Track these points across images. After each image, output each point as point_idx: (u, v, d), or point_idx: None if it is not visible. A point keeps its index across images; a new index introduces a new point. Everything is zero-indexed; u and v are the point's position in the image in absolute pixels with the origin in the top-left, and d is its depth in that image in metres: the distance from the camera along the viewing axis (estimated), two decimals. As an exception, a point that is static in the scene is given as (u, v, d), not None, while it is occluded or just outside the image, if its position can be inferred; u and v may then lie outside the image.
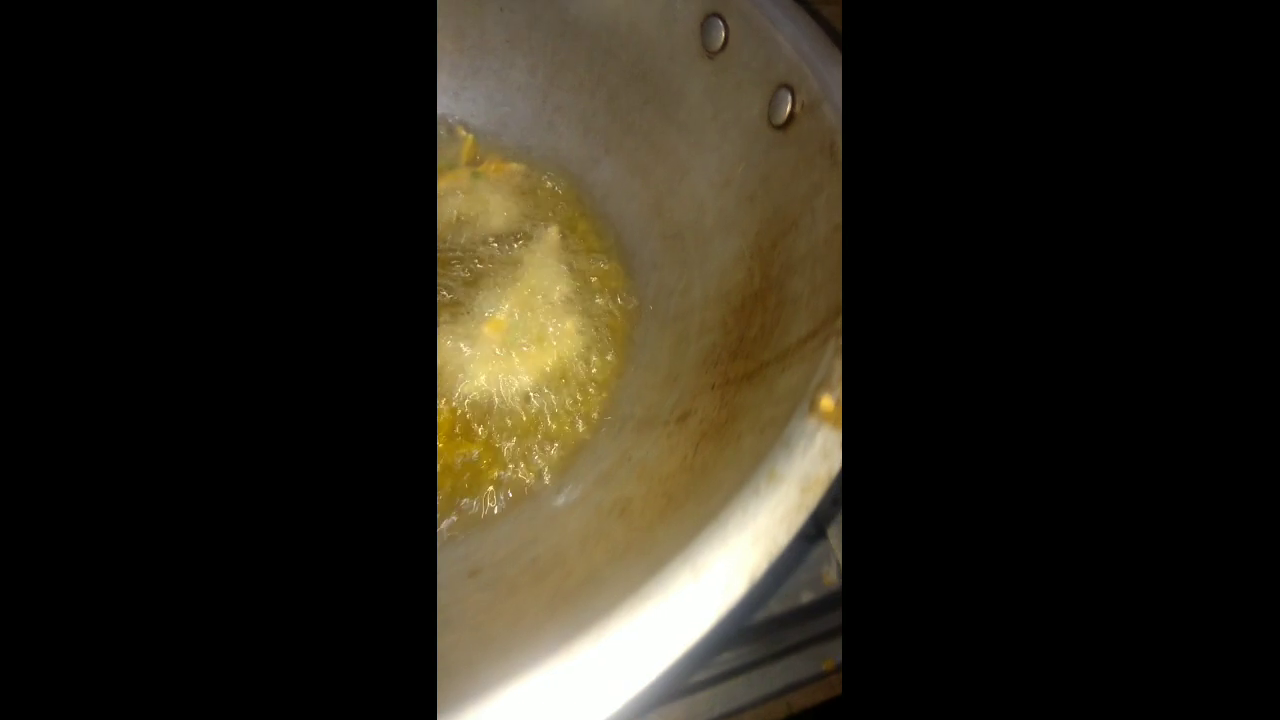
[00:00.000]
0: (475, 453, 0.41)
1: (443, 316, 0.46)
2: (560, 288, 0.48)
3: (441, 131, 0.53)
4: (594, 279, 0.48)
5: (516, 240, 0.50)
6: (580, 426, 0.42)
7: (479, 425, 0.42)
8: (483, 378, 0.44)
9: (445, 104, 0.54)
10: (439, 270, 0.48)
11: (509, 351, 0.45)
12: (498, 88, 0.54)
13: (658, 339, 0.45)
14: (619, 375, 0.44)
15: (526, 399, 0.43)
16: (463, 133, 0.53)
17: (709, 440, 0.33)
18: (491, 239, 0.49)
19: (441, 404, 0.43)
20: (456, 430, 0.42)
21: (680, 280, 0.46)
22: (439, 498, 0.40)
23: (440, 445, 0.41)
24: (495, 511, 0.40)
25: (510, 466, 0.41)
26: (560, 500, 0.38)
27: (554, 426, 0.42)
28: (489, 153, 0.53)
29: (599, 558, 0.29)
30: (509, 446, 0.41)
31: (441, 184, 0.51)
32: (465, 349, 0.44)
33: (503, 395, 0.43)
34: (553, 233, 0.50)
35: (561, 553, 0.32)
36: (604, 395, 0.43)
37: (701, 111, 0.45)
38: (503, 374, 0.44)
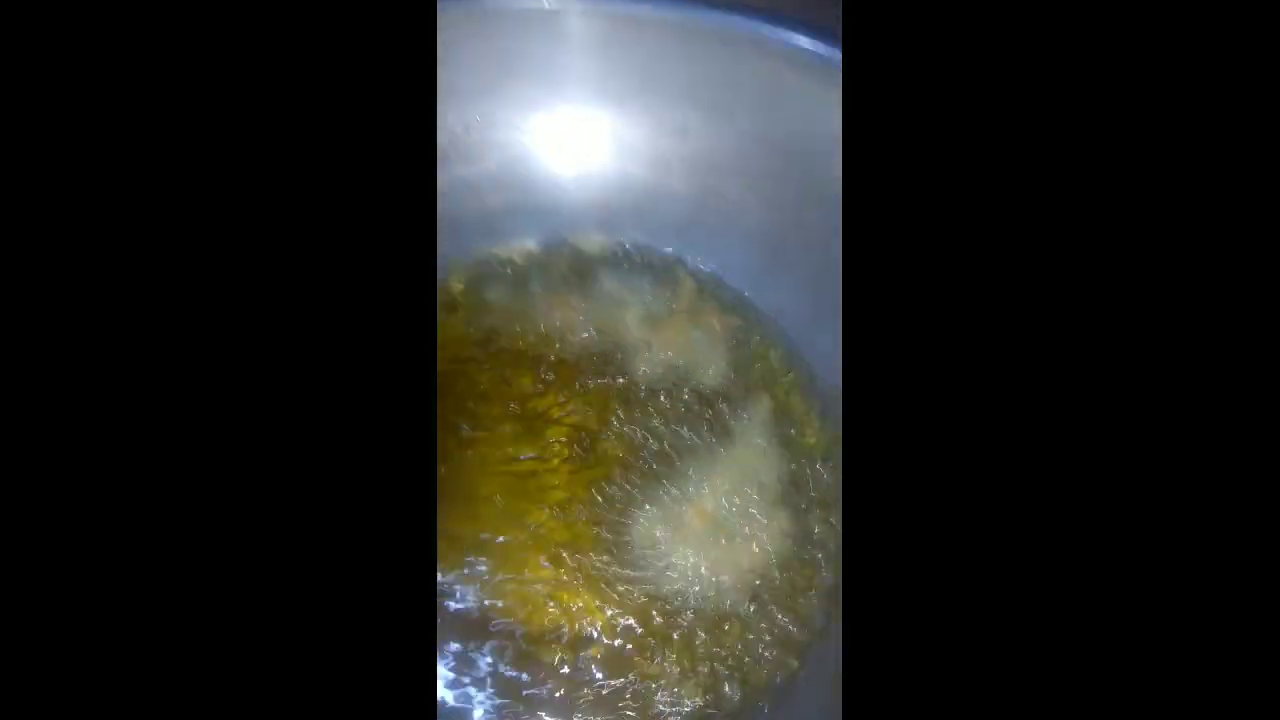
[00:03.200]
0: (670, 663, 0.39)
1: (645, 480, 0.44)
2: (768, 474, 0.44)
3: (665, 269, 0.52)
4: (809, 469, 0.45)
5: (723, 402, 0.47)
6: (793, 663, 0.38)
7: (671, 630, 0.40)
8: (680, 571, 0.41)
9: (667, 239, 0.52)
10: (651, 419, 0.46)
11: (715, 542, 0.42)
12: (723, 228, 0.51)
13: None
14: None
15: (725, 607, 0.40)
16: (682, 275, 0.51)
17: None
18: (699, 395, 0.47)
19: (632, 588, 0.40)
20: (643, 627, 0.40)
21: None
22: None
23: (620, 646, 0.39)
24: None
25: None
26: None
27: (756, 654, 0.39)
28: (707, 302, 0.50)
29: None
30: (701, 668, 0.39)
31: (660, 332, 0.49)
32: (668, 532, 0.42)
33: (701, 598, 0.40)
34: (765, 403, 0.47)
35: None
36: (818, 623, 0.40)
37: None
38: (706, 570, 0.41)
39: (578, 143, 0.51)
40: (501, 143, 0.50)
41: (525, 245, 0.52)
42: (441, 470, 0.44)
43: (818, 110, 0.45)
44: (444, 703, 0.38)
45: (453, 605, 0.40)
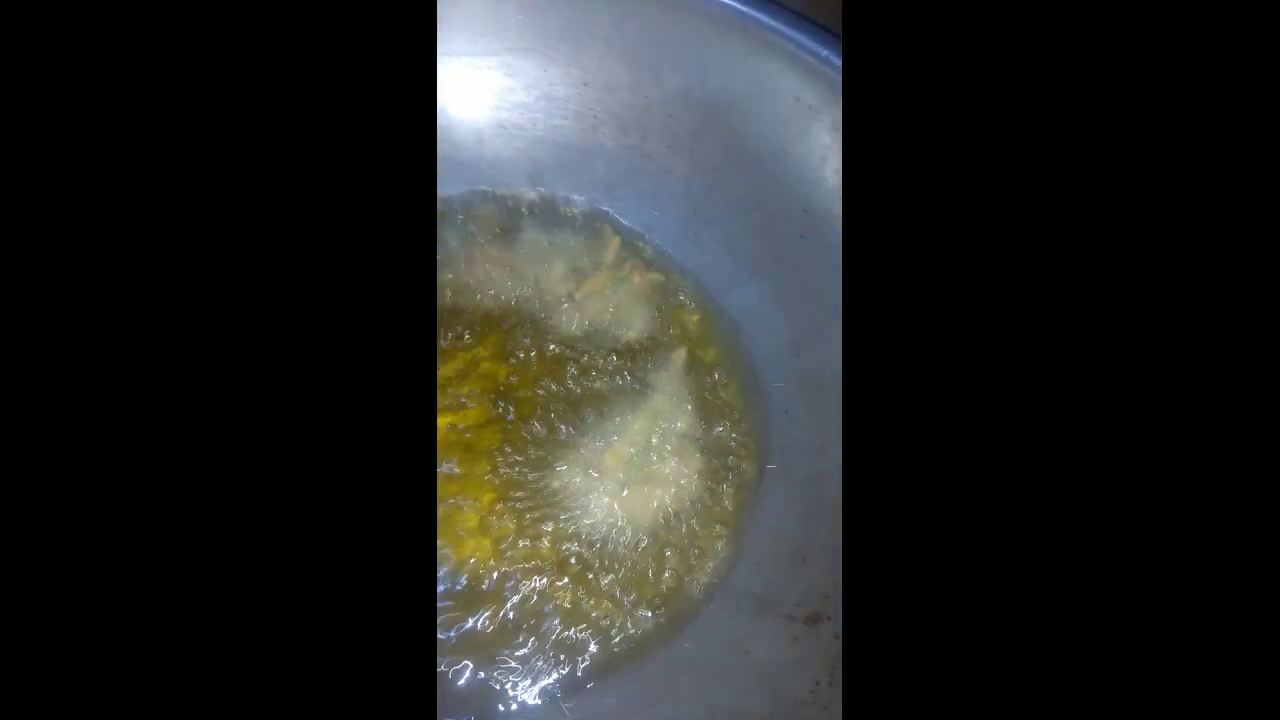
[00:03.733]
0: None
1: (567, 434, 0.46)
2: (683, 421, 0.47)
3: (592, 226, 0.53)
4: (720, 418, 0.48)
5: (644, 356, 0.49)
6: (696, 591, 0.42)
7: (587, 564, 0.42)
8: (598, 512, 0.44)
9: (597, 198, 0.53)
10: (567, 375, 0.47)
11: (625, 486, 0.44)
12: (650, 190, 0.53)
13: (783, 503, 0.44)
14: (738, 536, 0.44)
15: (638, 544, 0.43)
16: (610, 233, 0.52)
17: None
18: (621, 350, 0.49)
19: (548, 528, 0.43)
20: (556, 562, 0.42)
21: (815, 437, 0.46)
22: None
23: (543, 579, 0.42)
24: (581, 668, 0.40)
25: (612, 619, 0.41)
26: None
27: (664, 585, 0.42)
28: (631, 258, 0.52)
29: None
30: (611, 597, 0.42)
31: (587, 285, 0.50)
32: (593, 475, 0.44)
33: (613, 535, 0.43)
34: (680, 355, 0.49)
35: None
36: (720, 557, 0.43)
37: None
38: (619, 510, 0.44)
39: (504, 94, 0.51)
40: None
41: (447, 194, 0.52)
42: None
43: (742, 69, 0.47)
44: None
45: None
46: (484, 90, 0.51)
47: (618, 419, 0.47)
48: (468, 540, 0.43)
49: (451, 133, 0.51)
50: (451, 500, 0.43)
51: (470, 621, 0.41)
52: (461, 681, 0.39)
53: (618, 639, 0.41)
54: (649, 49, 0.49)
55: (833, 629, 0.36)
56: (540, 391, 0.47)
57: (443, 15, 0.48)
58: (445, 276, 0.50)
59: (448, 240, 0.51)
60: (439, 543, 0.42)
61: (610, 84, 0.50)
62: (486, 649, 0.40)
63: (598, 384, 0.48)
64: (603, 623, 0.41)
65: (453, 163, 0.52)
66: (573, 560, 0.42)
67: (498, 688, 0.40)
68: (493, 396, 0.47)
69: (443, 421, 0.45)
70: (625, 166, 0.53)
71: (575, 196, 0.53)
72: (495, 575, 0.42)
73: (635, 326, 0.50)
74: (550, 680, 0.40)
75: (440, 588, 0.41)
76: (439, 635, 0.40)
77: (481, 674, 0.40)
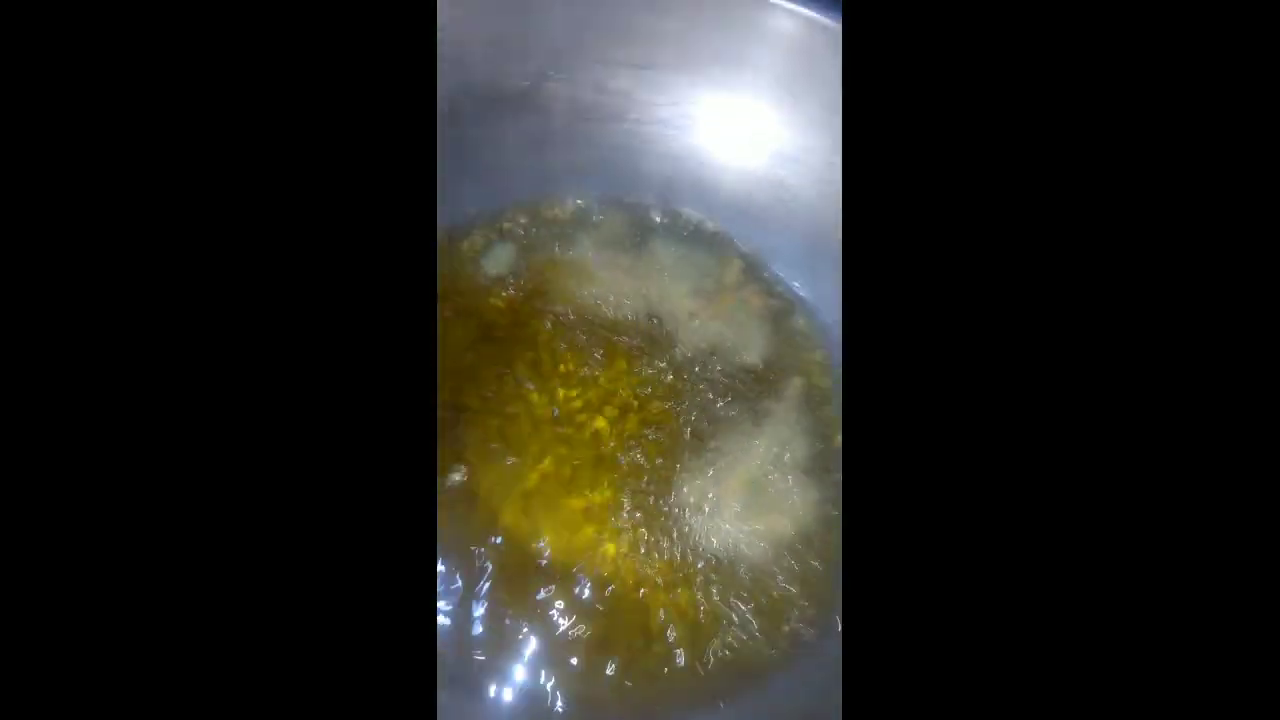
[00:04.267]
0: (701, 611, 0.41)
1: (687, 455, 0.46)
2: (799, 450, 0.47)
3: (716, 245, 0.53)
4: (833, 445, 0.48)
5: (761, 381, 0.49)
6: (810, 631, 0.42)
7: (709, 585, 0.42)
8: (718, 535, 0.44)
9: (725, 217, 0.54)
10: (687, 394, 0.48)
11: (747, 511, 0.45)
12: (779, 215, 0.53)
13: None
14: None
15: (764, 569, 0.43)
16: (734, 254, 0.53)
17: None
18: (740, 373, 0.49)
19: (665, 547, 0.43)
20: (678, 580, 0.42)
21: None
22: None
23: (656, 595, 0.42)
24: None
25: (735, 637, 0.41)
26: None
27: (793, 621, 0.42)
28: (751, 281, 0.52)
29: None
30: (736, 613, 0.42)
31: (711, 305, 0.50)
32: (710, 495, 0.44)
33: (738, 556, 0.43)
34: (797, 384, 0.50)
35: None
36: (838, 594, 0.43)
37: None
38: (741, 534, 0.44)
39: (646, 109, 0.52)
40: (570, 98, 0.51)
41: (582, 199, 0.53)
42: (495, 424, 0.45)
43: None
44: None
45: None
46: (630, 102, 0.51)
47: (735, 442, 0.47)
48: (584, 549, 0.43)
49: (591, 138, 0.52)
50: (570, 516, 0.44)
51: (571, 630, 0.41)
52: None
53: (733, 657, 0.41)
54: (798, 78, 0.49)
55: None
56: (664, 409, 0.47)
57: (602, 23, 0.48)
58: (568, 280, 0.50)
59: (580, 240, 0.51)
60: (558, 554, 0.42)
61: (751, 108, 0.51)
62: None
63: (717, 405, 0.48)
64: (724, 653, 0.41)
65: (587, 172, 0.52)
66: (698, 580, 0.42)
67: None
68: (613, 412, 0.47)
69: (562, 434, 0.46)
70: (754, 189, 0.53)
71: (703, 214, 0.54)
72: (609, 590, 0.42)
73: (754, 350, 0.50)
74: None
75: (556, 599, 0.41)
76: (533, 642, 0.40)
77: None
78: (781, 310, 0.52)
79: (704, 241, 0.53)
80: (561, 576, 0.41)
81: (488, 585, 0.41)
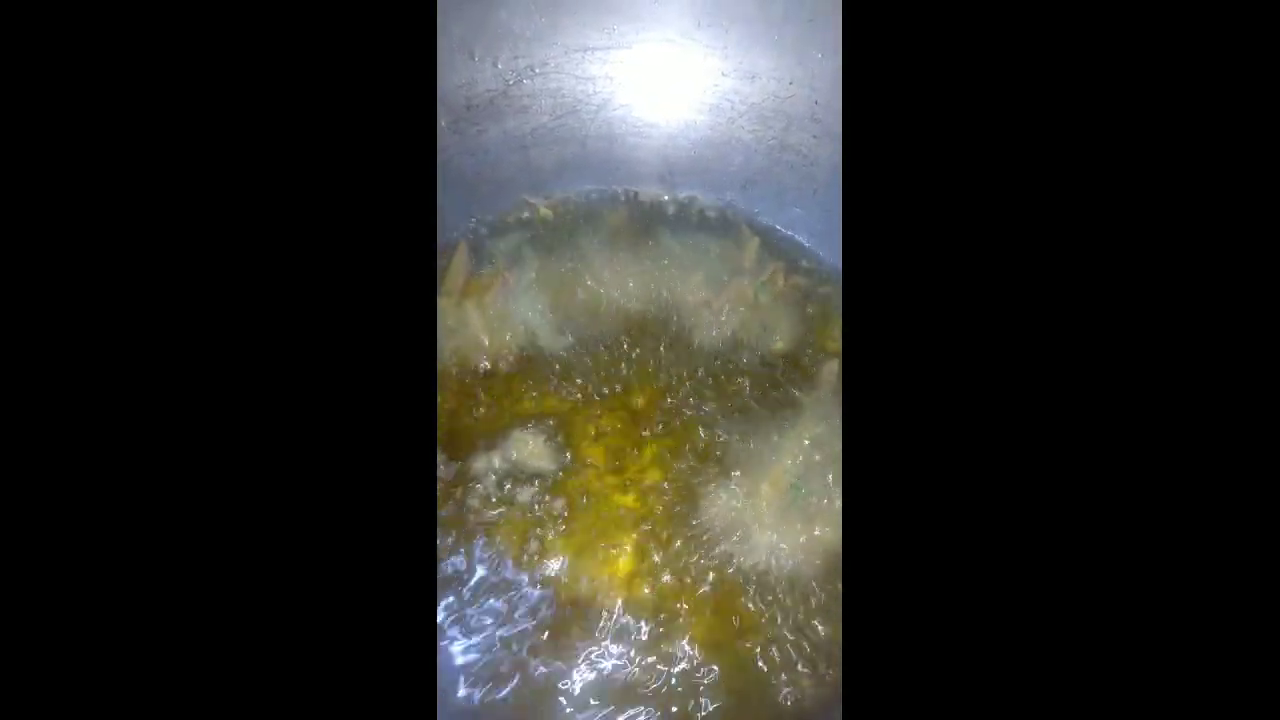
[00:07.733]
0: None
1: (714, 459, 0.42)
2: (838, 444, 0.43)
3: (729, 227, 0.49)
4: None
5: (794, 370, 0.45)
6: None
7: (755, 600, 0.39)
8: (763, 545, 0.40)
9: (733, 197, 0.49)
10: (709, 392, 0.44)
11: (787, 515, 0.41)
12: (793, 185, 0.48)
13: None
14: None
15: (809, 586, 0.39)
16: (749, 234, 0.48)
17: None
18: (768, 365, 0.45)
19: (697, 562, 0.40)
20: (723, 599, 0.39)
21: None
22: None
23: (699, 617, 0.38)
24: None
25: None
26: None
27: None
28: (772, 259, 0.48)
29: None
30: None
31: (726, 292, 0.46)
32: (741, 498, 0.41)
33: (781, 570, 0.39)
34: (833, 368, 0.45)
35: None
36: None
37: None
38: (785, 544, 0.40)
39: (635, 90, 0.48)
40: (551, 92, 0.47)
41: (575, 196, 0.50)
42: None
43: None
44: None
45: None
46: (616, 85, 0.47)
47: (769, 440, 0.43)
48: (609, 573, 0.40)
49: (579, 131, 0.48)
50: (593, 530, 0.41)
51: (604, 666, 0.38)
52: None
53: (787, 694, 0.37)
54: (796, 29, 0.44)
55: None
56: (687, 412, 0.44)
57: (572, 5, 0.45)
58: (574, 286, 0.47)
59: (580, 240, 0.48)
60: (580, 575, 0.40)
61: (750, 71, 0.46)
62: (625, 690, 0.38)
63: (746, 401, 0.44)
64: (772, 681, 0.38)
65: (580, 166, 0.49)
66: (739, 598, 0.39)
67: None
68: (632, 417, 0.44)
69: (577, 445, 0.43)
70: (765, 161, 0.48)
71: (710, 196, 0.50)
72: (636, 612, 0.39)
73: (783, 335, 0.46)
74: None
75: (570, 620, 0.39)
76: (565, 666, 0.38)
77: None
78: (809, 287, 0.47)
79: (715, 223, 0.49)
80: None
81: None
